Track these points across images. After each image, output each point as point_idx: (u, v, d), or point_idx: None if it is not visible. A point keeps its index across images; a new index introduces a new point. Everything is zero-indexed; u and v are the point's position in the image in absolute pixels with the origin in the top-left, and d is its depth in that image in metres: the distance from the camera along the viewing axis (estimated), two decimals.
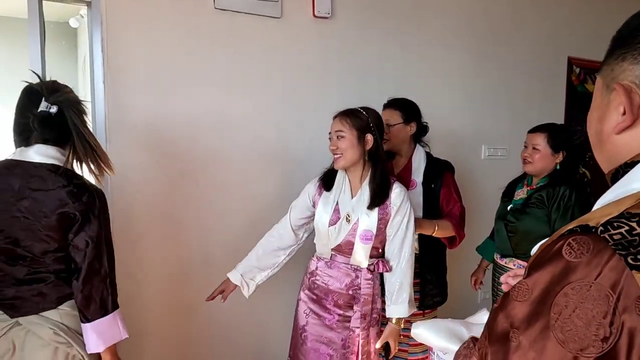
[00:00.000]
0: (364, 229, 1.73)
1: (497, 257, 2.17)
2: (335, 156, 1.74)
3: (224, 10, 2.06)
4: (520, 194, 2.10)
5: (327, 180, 1.84)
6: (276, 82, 2.23)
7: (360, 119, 1.71)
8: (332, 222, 1.78)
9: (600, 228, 0.50)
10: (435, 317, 2.15)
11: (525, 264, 1.12)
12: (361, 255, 1.75)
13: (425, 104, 2.10)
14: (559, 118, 3.24)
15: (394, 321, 1.78)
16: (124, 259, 1.94)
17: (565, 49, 3.23)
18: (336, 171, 1.82)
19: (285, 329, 2.07)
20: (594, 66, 3.36)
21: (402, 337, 2.06)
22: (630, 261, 0.46)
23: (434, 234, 1.99)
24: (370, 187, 1.74)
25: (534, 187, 2.05)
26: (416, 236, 1.92)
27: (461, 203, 2.10)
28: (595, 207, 0.58)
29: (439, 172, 2.09)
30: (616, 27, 0.62)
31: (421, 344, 2.08)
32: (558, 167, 2.01)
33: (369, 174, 1.76)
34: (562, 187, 1.92)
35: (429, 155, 2.12)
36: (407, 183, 2.05)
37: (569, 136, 2.05)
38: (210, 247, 2.13)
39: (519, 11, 2.98)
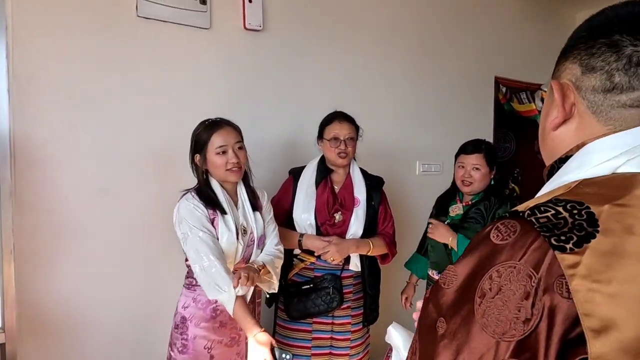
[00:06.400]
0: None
1: (433, 273, 2.16)
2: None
3: (148, 19, 1.96)
4: (456, 209, 2.10)
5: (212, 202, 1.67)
6: (204, 96, 2.13)
7: None
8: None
9: (527, 212, 0.50)
10: (368, 330, 2.13)
11: None
12: None
13: (359, 118, 2.08)
14: (488, 135, 3.37)
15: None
16: (31, 279, 1.76)
17: (492, 68, 3.38)
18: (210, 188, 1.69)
19: None
20: (519, 86, 3.54)
21: (342, 341, 2.00)
22: (554, 242, 0.46)
23: (369, 253, 1.97)
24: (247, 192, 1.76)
25: (469, 202, 2.06)
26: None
27: (393, 220, 2.11)
28: None
29: (378, 188, 2.09)
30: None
31: (361, 344, 2.07)
32: (492, 182, 2.05)
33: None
34: (496, 203, 1.96)
35: (362, 171, 2.10)
36: (350, 200, 2.01)
37: (496, 151, 2.09)
38: (128, 266, 1.98)
39: (450, 31, 3.09)
